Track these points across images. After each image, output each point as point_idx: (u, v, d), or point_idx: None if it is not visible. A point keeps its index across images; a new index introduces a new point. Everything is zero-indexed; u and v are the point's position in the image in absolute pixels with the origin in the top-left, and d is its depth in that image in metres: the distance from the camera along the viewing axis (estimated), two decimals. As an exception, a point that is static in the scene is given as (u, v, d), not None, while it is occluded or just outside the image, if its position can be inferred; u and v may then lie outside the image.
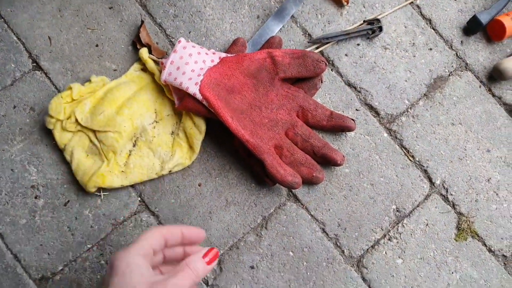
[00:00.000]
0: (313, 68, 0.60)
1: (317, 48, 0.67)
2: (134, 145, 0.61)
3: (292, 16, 0.68)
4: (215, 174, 0.62)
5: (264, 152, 0.57)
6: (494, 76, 0.68)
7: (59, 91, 0.64)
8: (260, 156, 0.57)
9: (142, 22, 0.64)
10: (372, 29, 0.67)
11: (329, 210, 0.63)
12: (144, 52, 0.63)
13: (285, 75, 0.60)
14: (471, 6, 0.71)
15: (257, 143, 0.57)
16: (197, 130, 0.59)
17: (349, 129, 0.62)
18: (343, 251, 0.62)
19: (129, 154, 0.60)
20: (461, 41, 0.70)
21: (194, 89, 0.56)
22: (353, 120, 0.62)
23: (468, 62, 0.69)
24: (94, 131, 0.60)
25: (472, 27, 0.69)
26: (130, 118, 0.60)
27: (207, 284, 0.60)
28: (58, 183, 0.61)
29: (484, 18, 0.67)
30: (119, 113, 0.60)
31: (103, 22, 0.66)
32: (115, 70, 0.64)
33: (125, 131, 0.59)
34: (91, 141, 0.60)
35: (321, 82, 0.64)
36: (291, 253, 0.61)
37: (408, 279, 0.62)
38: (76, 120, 0.60)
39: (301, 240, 0.62)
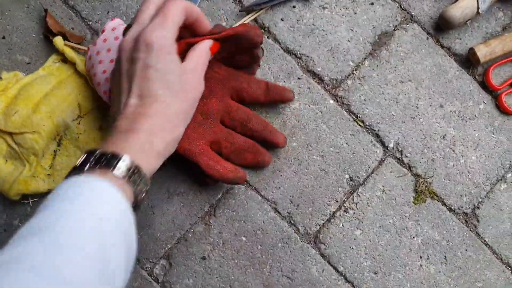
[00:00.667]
0: (247, 43, 0.54)
1: (250, 15, 0.62)
2: (58, 145, 0.55)
3: (219, -17, 0.62)
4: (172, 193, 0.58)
5: (196, 154, 0.52)
6: (441, 25, 0.64)
7: (-32, 94, 0.58)
8: (193, 159, 0.52)
9: (46, 10, 0.58)
10: (307, -12, 0.62)
11: (279, 188, 0.59)
12: (58, 40, 0.56)
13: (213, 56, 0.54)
14: (412, -47, 0.66)
15: (187, 146, 0.52)
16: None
17: (288, 101, 0.58)
18: (298, 229, 0.59)
19: (54, 155, 0.55)
20: None
21: (107, 87, 0.51)
22: (291, 91, 0.58)
23: (413, 13, 0.65)
24: (10, 134, 0.54)
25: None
26: (49, 116, 0.54)
27: (157, 281, 0.56)
28: (-19, 195, 0.56)
29: (425, -36, 0.63)
30: (36, 111, 0.54)
31: (7, 11, 0.58)
32: (28, 63, 0.58)
33: (44, 131, 0.54)
34: (8, 145, 0.54)
35: (262, 54, 0.59)
36: (243, 238, 0.58)
37: (369, 249, 0.59)
38: (-10, 123, 0.55)
39: (253, 223, 0.58)
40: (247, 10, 0.61)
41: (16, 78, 0.57)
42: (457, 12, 0.61)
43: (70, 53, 0.57)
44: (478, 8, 0.62)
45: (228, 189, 0.59)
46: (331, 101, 0.61)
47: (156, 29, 0.41)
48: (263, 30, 0.62)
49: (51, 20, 0.57)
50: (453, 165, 0.62)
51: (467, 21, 0.63)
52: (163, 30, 0.41)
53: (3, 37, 0.58)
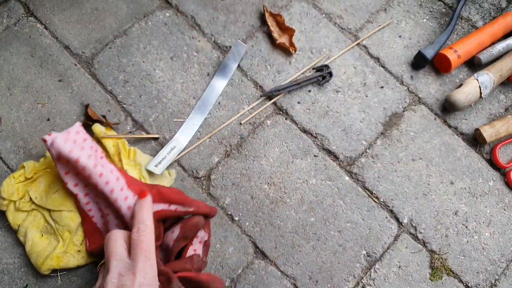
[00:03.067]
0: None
1: (269, 99, 0.67)
2: (90, 220, 0.59)
3: (242, 70, 0.68)
4: (177, 239, 0.60)
5: None
6: (447, 107, 0.69)
7: (12, 171, 0.62)
8: None
9: (87, 105, 0.64)
10: (322, 75, 0.68)
11: (298, 263, 0.61)
12: (96, 127, 0.62)
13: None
14: (415, 41, 0.73)
15: None
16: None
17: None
18: (317, 305, 0.60)
19: (86, 231, 0.58)
20: (411, 76, 0.71)
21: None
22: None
23: (420, 96, 0.70)
24: (49, 210, 0.58)
25: (419, 63, 0.70)
26: (85, 193, 0.59)
27: None
28: (15, 267, 0.59)
29: (429, 53, 0.69)
30: (73, 189, 0.59)
31: (53, 96, 0.65)
32: (67, 143, 0.63)
33: (80, 208, 0.58)
34: (46, 220, 0.58)
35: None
36: (263, 313, 0.59)
37: (388, 327, 0.59)
38: (31, 199, 0.59)
39: (272, 298, 0.60)
40: (267, 95, 0.67)
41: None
42: (461, 96, 0.66)
43: (104, 141, 0.62)
44: (481, 93, 0.67)
45: (248, 263, 0.61)
46: (347, 178, 0.65)
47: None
48: (281, 112, 0.67)
49: (91, 111, 0.63)
50: (467, 241, 0.63)
51: (471, 104, 0.68)
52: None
53: (48, 119, 0.64)
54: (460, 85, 0.69)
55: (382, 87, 0.70)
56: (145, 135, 0.63)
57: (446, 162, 0.67)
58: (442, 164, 0.67)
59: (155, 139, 0.64)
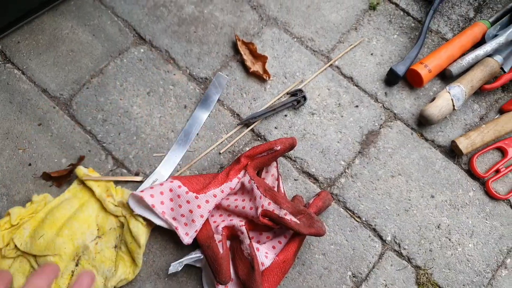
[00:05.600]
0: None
1: (247, 127, 0.68)
2: (76, 265, 0.59)
3: (219, 99, 0.70)
4: (163, 274, 0.61)
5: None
6: (422, 122, 0.70)
7: (-4, 218, 0.63)
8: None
9: (83, 157, 0.65)
10: (296, 99, 0.69)
11: (285, 289, 0.61)
12: (80, 170, 0.63)
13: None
14: (387, 58, 0.74)
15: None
16: (136, 244, 0.58)
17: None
18: (306, 330, 0.60)
19: (72, 275, 0.59)
20: (385, 93, 0.72)
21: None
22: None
23: (395, 112, 0.71)
24: (34, 256, 0.59)
25: (391, 79, 0.71)
26: (70, 239, 0.59)
27: None
28: (4, 314, 0.59)
29: (400, 70, 0.70)
30: (59, 235, 0.59)
31: (33, 140, 0.66)
32: (50, 186, 0.64)
33: (65, 253, 0.58)
34: (31, 265, 0.58)
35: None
36: None
37: None
38: (16, 245, 0.59)
39: (262, 326, 0.60)
40: (245, 123, 0.68)
41: (45, 200, 0.62)
42: (434, 110, 0.67)
43: (90, 182, 0.63)
44: (453, 105, 0.68)
45: (236, 292, 0.61)
46: (328, 200, 0.66)
47: None
48: (259, 138, 0.68)
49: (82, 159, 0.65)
50: (452, 254, 0.64)
51: (445, 116, 0.69)
52: None
53: (29, 164, 0.65)
54: (434, 99, 0.70)
55: (357, 106, 0.71)
56: (128, 178, 0.64)
57: (426, 176, 0.68)
58: (421, 178, 0.68)
59: (139, 181, 0.65)
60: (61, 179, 0.64)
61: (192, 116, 0.68)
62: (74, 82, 0.69)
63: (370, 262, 0.63)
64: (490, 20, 0.75)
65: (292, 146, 0.61)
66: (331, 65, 0.73)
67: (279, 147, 0.60)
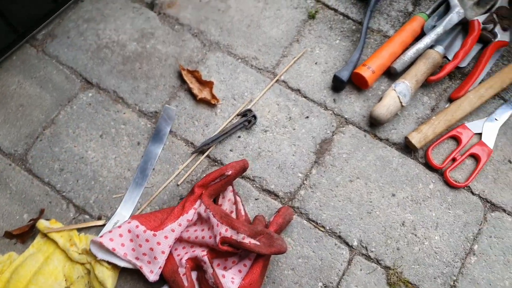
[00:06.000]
0: None
1: (202, 154, 0.69)
2: (49, 317, 0.60)
3: (171, 131, 0.70)
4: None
5: None
6: (373, 122, 0.70)
7: (-34, 282, 0.64)
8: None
9: (43, 210, 0.66)
10: (247, 120, 0.70)
11: (259, 310, 0.62)
12: (41, 224, 0.63)
13: None
14: (332, 64, 0.75)
15: None
16: (103, 288, 0.60)
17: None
18: None
19: (43, 329, 0.59)
20: (334, 99, 0.73)
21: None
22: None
23: (346, 116, 0.72)
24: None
25: (337, 85, 0.72)
26: (38, 294, 0.60)
27: None
28: None
29: (344, 75, 0.71)
30: (25, 292, 0.60)
31: (-6, 200, 0.67)
32: (15, 243, 0.64)
33: (35, 309, 0.59)
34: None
35: None
36: None
37: None
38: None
39: None
40: (199, 151, 0.69)
41: (10, 259, 0.63)
42: (382, 110, 0.68)
43: (52, 234, 0.63)
44: (401, 102, 0.68)
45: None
46: (290, 214, 0.66)
47: None
48: (216, 163, 0.69)
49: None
50: (419, 249, 0.64)
51: (395, 113, 0.70)
52: None
53: (-9, 225, 0.66)
54: (381, 98, 0.71)
55: (307, 117, 0.72)
56: (90, 223, 0.65)
57: (384, 175, 0.68)
58: (380, 178, 0.68)
59: (102, 225, 0.65)
60: (24, 235, 0.64)
61: (146, 152, 0.68)
62: (27, 136, 0.70)
63: (339, 270, 0.63)
64: (427, 12, 0.76)
65: (243, 169, 0.62)
66: (277, 80, 0.74)
67: (230, 172, 0.60)
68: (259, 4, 0.79)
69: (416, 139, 0.68)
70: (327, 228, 0.65)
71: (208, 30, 0.77)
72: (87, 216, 0.65)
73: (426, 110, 0.72)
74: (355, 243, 0.65)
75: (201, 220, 0.60)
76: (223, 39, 0.77)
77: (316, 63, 0.75)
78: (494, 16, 0.74)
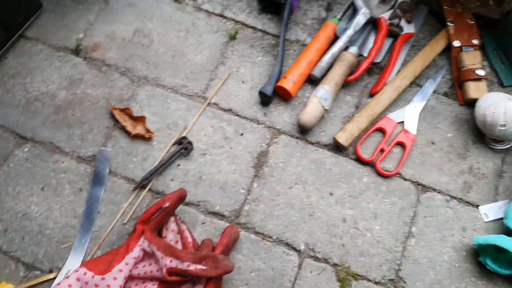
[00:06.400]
0: None
1: (144, 188, 0.71)
2: None
3: (110, 171, 0.72)
4: None
5: None
6: (302, 129, 0.74)
7: None
8: None
9: None
10: (183, 147, 0.72)
11: (221, 329, 0.64)
12: None
13: None
14: (258, 80, 0.78)
15: None
16: None
17: None
18: None
19: None
20: (264, 113, 0.76)
21: None
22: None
23: (278, 127, 0.75)
24: None
25: (265, 100, 0.76)
26: None
27: None
28: None
29: (268, 90, 0.74)
30: None
31: None
32: (-31, 311, 0.64)
33: None
34: None
35: None
36: None
37: None
38: None
39: None
40: (141, 186, 0.71)
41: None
42: (307, 117, 0.72)
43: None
44: (323, 107, 0.72)
45: None
46: (238, 230, 0.69)
47: None
48: (159, 195, 0.70)
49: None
50: (362, 242, 0.68)
51: (321, 117, 0.74)
52: None
53: None
54: (306, 105, 0.75)
55: (242, 134, 0.75)
56: (42, 279, 0.65)
57: (320, 177, 0.72)
58: (316, 180, 0.72)
59: (53, 278, 0.66)
60: (-24, 302, 0.64)
61: (89, 196, 0.70)
62: (-32, 202, 0.70)
63: (291, 276, 0.66)
64: (338, 16, 0.81)
65: (181, 198, 0.64)
66: (208, 104, 0.77)
67: (167, 204, 0.62)
68: (181, 34, 0.82)
69: (343, 138, 0.72)
70: (274, 237, 0.68)
71: (134, 66, 0.79)
72: (38, 272, 0.66)
73: (350, 109, 0.77)
74: (302, 247, 0.68)
75: (147, 255, 0.62)
76: (150, 73, 0.79)
77: (243, 82, 0.78)
78: (398, 11, 0.80)
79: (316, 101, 0.72)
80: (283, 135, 0.75)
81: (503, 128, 0.69)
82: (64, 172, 0.72)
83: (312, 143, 0.74)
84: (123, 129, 0.74)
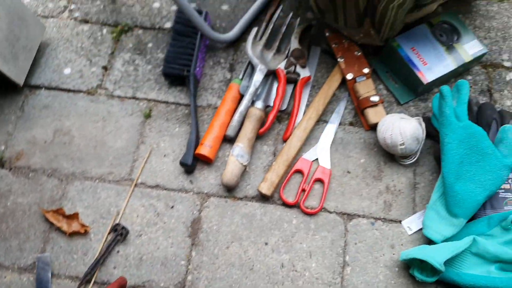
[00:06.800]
0: None
1: (89, 283, 0.72)
2: None
3: (53, 275, 0.73)
4: None
5: None
6: (227, 189, 0.79)
7: None
8: None
9: None
10: (119, 234, 0.75)
11: None
12: None
13: None
14: (178, 151, 0.82)
15: None
16: None
17: None
18: None
19: None
20: (190, 181, 0.80)
21: None
22: None
23: (206, 191, 0.79)
24: None
25: (187, 169, 0.80)
26: None
27: None
28: None
29: (187, 159, 0.79)
30: None
31: None
32: None
33: None
34: None
35: None
36: None
37: None
38: None
39: None
40: (85, 281, 0.72)
41: None
42: (227, 177, 0.76)
43: None
44: (241, 163, 0.77)
45: None
46: (185, 302, 0.71)
47: None
48: (104, 285, 0.72)
49: None
50: (303, 282, 0.71)
51: (242, 173, 0.78)
52: None
53: None
54: (227, 164, 0.79)
55: (172, 206, 0.79)
56: None
57: (253, 229, 0.76)
58: (251, 234, 0.76)
59: None
60: None
61: (35, 305, 0.71)
62: None
63: (243, 334, 0.69)
64: (240, 76, 0.88)
65: (121, 286, 0.66)
66: (136, 185, 0.80)
67: None
68: (99, 124, 0.86)
69: (265, 188, 0.77)
70: (221, 300, 0.71)
71: (60, 165, 0.83)
72: None
73: (269, 157, 0.82)
74: (248, 302, 0.71)
75: None
76: (76, 168, 0.82)
77: (164, 156, 0.82)
78: (292, 59, 0.87)
79: (234, 160, 0.77)
80: (212, 197, 0.79)
81: (403, 146, 0.76)
82: (7, 286, 0.73)
83: (240, 199, 0.79)
84: (59, 229, 0.77)
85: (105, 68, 0.90)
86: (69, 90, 0.89)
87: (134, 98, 0.88)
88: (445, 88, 0.76)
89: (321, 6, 0.84)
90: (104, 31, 0.94)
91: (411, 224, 0.76)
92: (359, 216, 0.76)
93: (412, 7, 0.82)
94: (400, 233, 0.75)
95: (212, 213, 0.78)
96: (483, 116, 0.78)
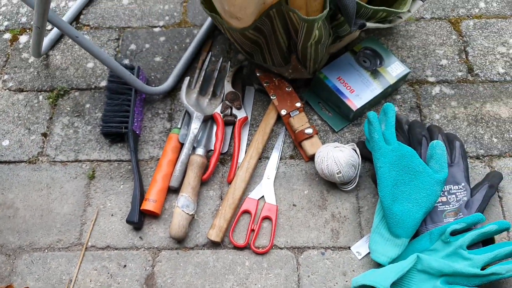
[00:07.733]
0: None
1: None
2: None
3: None
4: None
5: None
6: (176, 240, 0.79)
7: None
8: None
9: None
10: (71, 303, 0.74)
11: None
12: None
13: None
14: (125, 209, 0.82)
15: None
16: None
17: None
18: None
19: None
20: (140, 237, 0.80)
21: None
22: None
23: (156, 246, 0.79)
24: None
25: (135, 226, 0.80)
26: None
27: None
28: None
29: (133, 217, 0.79)
30: None
31: None
32: None
33: None
34: None
35: None
36: None
37: None
38: None
39: None
40: None
41: None
42: (175, 229, 0.77)
43: None
44: (188, 213, 0.78)
45: None
46: None
47: None
48: None
49: None
50: (261, 324, 0.72)
51: (190, 223, 0.79)
52: None
53: None
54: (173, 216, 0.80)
55: (125, 266, 0.78)
56: None
57: (208, 277, 0.76)
58: (206, 282, 0.76)
59: None
60: None
61: None
62: None
63: None
64: (179, 125, 0.89)
65: None
66: (86, 248, 0.80)
67: None
68: (43, 192, 0.85)
69: (214, 235, 0.78)
70: None
71: (6, 240, 0.81)
72: None
73: (216, 202, 0.83)
74: None
75: None
76: (23, 241, 0.81)
77: (112, 215, 0.82)
78: (227, 102, 0.90)
79: (179, 211, 0.78)
80: (163, 251, 0.79)
81: (340, 175, 0.78)
82: None
83: (191, 248, 0.79)
84: (9, 309, 0.75)
85: (44, 135, 0.91)
86: (9, 162, 0.88)
87: (76, 161, 0.88)
88: (371, 114, 0.80)
89: (247, 50, 0.88)
90: (40, 97, 0.95)
91: (360, 248, 0.78)
92: (309, 247, 0.78)
93: (334, 38, 0.87)
94: (351, 259, 0.77)
95: (165, 266, 0.78)
96: (413, 134, 0.82)
